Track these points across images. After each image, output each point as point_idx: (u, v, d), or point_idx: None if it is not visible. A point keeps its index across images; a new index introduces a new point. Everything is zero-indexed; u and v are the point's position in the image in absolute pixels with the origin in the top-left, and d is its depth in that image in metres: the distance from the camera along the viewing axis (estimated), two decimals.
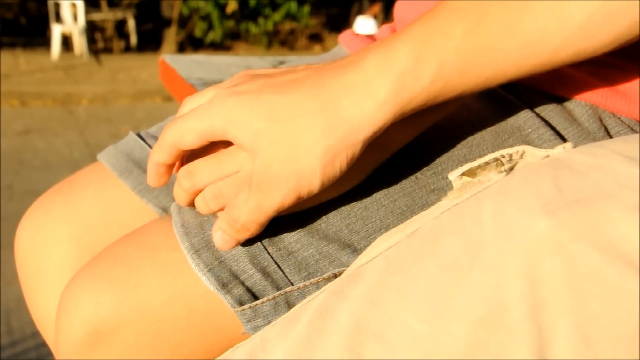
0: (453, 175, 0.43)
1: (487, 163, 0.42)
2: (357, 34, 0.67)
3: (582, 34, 0.39)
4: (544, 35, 0.39)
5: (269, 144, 0.41)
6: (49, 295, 0.63)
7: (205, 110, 0.44)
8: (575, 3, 0.39)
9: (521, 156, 0.42)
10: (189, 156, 0.48)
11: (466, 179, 0.42)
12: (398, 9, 0.65)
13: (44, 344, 1.62)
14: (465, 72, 0.40)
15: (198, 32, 7.63)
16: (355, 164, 0.45)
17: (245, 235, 0.45)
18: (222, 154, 0.45)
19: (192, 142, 0.45)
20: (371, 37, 0.67)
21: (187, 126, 0.44)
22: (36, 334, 1.68)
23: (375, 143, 0.45)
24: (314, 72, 0.43)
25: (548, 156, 0.40)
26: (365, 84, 0.41)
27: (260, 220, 0.44)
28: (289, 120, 0.41)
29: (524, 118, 0.50)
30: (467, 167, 0.42)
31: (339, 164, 0.42)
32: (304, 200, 0.44)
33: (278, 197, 0.42)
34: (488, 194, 0.37)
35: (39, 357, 1.69)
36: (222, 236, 0.45)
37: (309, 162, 0.41)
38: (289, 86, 0.43)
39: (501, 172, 0.42)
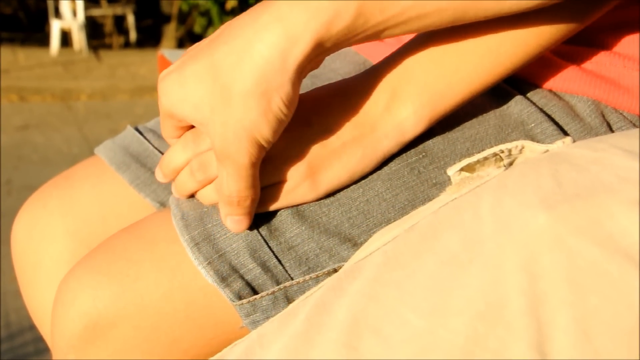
0: (452, 171, 0.42)
1: (485, 158, 0.42)
2: None
3: None
4: None
5: (210, 112, 0.42)
6: (46, 289, 0.62)
7: (158, 100, 0.45)
8: None
9: (520, 151, 0.42)
10: None
11: (465, 174, 0.42)
12: None
13: (42, 338, 1.62)
14: (385, 9, 0.40)
15: (197, 28, 7.62)
16: (367, 154, 0.45)
17: (247, 203, 0.45)
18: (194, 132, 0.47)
19: (171, 132, 0.48)
20: None
21: (161, 122, 0.47)
22: (34, 328, 1.68)
23: (386, 135, 0.45)
24: (229, 25, 0.43)
25: (547, 151, 0.40)
26: (279, 23, 0.40)
27: (248, 182, 0.44)
28: (215, 83, 0.41)
29: (527, 113, 0.49)
30: (465, 162, 0.42)
31: (277, 106, 0.41)
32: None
33: (243, 156, 0.42)
34: (487, 189, 0.37)
35: (37, 351, 1.69)
36: (232, 218, 0.45)
37: (249, 115, 0.41)
38: (207, 49, 0.43)
39: (500, 167, 0.41)
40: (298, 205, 0.47)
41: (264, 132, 0.42)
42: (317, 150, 0.45)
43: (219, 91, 0.41)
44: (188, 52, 0.45)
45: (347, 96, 0.46)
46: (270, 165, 0.45)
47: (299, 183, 0.46)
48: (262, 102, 0.41)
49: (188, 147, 0.47)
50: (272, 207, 0.47)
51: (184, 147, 0.48)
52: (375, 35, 0.42)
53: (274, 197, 0.46)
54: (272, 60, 0.40)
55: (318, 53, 0.41)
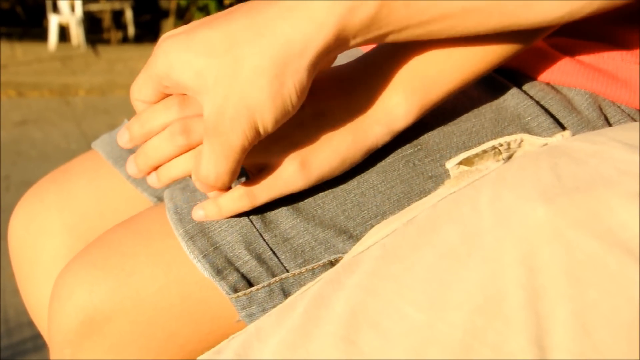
0: (450, 164, 0.42)
1: (484, 151, 0.41)
2: None
3: None
4: None
5: (214, 83, 0.40)
6: (43, 284, 0.62)
7: (150, 59, 0.43)
8: None
9: (519, 144, 0.41)
10: None
11: (463, 167, 0.41)
12: None
13: (40, 335, 1.62)
14: (410, 2, 0.39)
15: None
16: (358, 141, 0.44)
17: (224, 187, 0.43)
18: (174, 98, 0.45)
19: (149, 95, 0.44)
20: None
21: (139, 81, 0.44)
22: (33, 324, 1.68)
23: (377, 121, 0.44)
24: (249, 3, 0.42)
25: (546, 144, 0.40)
26: (304, 5, 0.39)
27: (230, 167, 0.42)
28: (228, 53, 0.39)
29: (523, 106, 0.49)
30: (464, 155, 0.42)
31: (288, 93, 0.40)
32: (308, 168, 0.44)
33: (236, 137, 0.40)
34: (486, 182, 0.37)
35: (36, 347, 1.69)
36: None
37: (257, 95, 0.40)
38: (224, 19, 0.41)
39: (499, 160, 0.41)
40: (290, 193, 0.46)
41: (267, 117, 0.40)
42: (307, 133, 0.44)
43: (229, 62, 0.40)
44: (200, 20, 0.43)
45: (340, 81, 0.45)
46: (258, 145, 0.43)
47: (289, 166, 0.44)
48: (274, 83, 0.40)
49: (171, 110, 0.44)
50: (264, 197, 0.45)
51: (167, 108, 0.44)
52: (396, 32, 0.40)
53: (265, 185, 0.45)
54: (294, 43, 0.39)
55: (338, 44, 0.40)
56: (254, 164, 0.45)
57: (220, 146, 0.41)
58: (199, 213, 0.46)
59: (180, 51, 0.40)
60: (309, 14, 0.39)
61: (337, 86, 0.45)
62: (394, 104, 0.45)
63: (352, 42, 0.40)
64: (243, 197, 0.45)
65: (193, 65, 0.40)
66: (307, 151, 0.44)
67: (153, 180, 0.46)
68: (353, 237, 0.46)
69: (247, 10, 0.41)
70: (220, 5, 7.38)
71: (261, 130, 0.41)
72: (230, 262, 0.46)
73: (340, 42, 0.40)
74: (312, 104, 0.44)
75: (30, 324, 1.74)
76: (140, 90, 0.44)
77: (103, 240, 0.51)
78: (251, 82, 0.39)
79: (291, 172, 0.44)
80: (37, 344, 1.70)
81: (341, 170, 0.46)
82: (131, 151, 0.62)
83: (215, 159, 0.42)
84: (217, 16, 0.42)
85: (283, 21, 0.39)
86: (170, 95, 0.45)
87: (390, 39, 0.41)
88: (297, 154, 0.44)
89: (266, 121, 0.41)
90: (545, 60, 0.51)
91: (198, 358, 0.43)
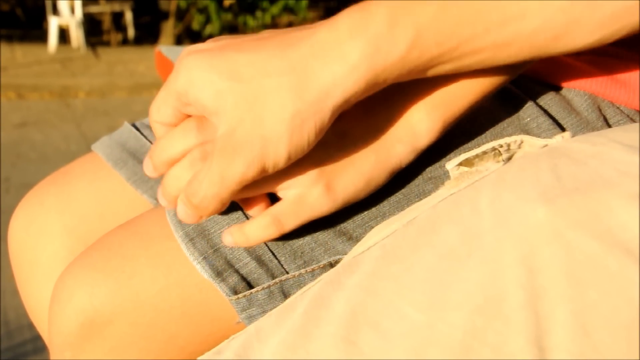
0: (450, 165, 0.42)
1: (484, 152, 0.41)
2: None
3: (564, 18, 0.38)
4: (525, 13, 0.38)
5: (233, 106, 0.39)
6: (43, 287, 0.62)
7: (171, 74, 0.41)
8: None
9: (519, 146, 0.42)
10: None
11: (463, 168, 0.41)
12: None
13: (40, 337, 1.62)
14: (442, 42, 0.38)
15: (196, 25, 7.61)
16: (382, 160, 0.43)
17: (205, 212, 0.42)
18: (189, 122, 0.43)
19: (168, 114, 0.43)
20: None
21: (158, 100, 0.43)
22: (33, 326, 1.68)
23: (400, 139, 0.43)
24: (281, 33, 0.41)
25: (546, 145, 0.40)
26: (337, 45, 0.38)
27: (222, 194, 0.40)
28: (253, 80, 0.39)
29: (522, 107, 0.49)
30: (464, 156, 0.42)
31: (307, 131, 0.39)
32: (317, 202, 0.42)
33: (241, 165, 0.39)
34: (485, 183, 0.37)
35: (36, 350, 1.69)
36: (184, 209, 0.42)
37: (275, 126, 0.39)
38: (254, 45, 0.40)
39: (499, 161, 0.41)
40: (318, 217, 0.44)
41: (280, 151, 0.39)
42: (330, 154, 0.43)
43: (253, 89, 0.39)
44: (226, 40, 0.42)
45: (360, 101, 0.45)
46: (279, 171, 0.42)
47: (314, 190, 0.43)
48: (295, 119, 0.39)
49: (190, 135, 0.43)
50: (291, 224, 0.44)
51: (185, 133, 0.43)
52: (425, 70, 0.40)
53: (292, 212, 0.43)
54: (324, 83, 0.38)
55: (367, 87, 0.39)
56: (277, 188, 0.43)
57: (219, 169, 0.40)
58: (228, 239, 0.45)
59: (204, 69, 0.39)
60: (341, 55, 0.38)
61: (358, 106, 0.44)
62: (416, 121, 0.44)
63: (381, 84, 0.40)
64: (270, 225, 0.44)
65: (215, 85, 0.39)
66: (331, 173, 0.43)
67: (182, 214, 0.43)
68: (352, 239, 0.46)
69: (279, 41, 0.40)
70: (220, 7, 7.39)
71: (269, 165, 0.40)
72: (230, 264, 0.46)
73: (369, 86, 0.39)
74: (334, 125, 0.43)
75: (30, 326, 1.74)
76: (159, 111, 0.43)
77: (103, 243, 0.51)
78: (272, 113, 0.39)
79: (316, 196, 0.43)
80: (37, 346, 1.69)
81: (367, 192, 0.44)
82: (131, 153, 0.62)
83: (210, 180, 0.40)
84: (246, 40, 0.41)
85: (315, 60, 0.39)
86: (189, 116, 0.44)
87: (419, 76, 0.41)
88: (321, 177, 0.43)
89: (279, 155, 0.39)
90: (544, 61, 0.51)
91: (198, 358, 0.43)
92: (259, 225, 0.43)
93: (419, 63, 0.39)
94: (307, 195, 0.43)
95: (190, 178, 0.42)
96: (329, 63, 0.38)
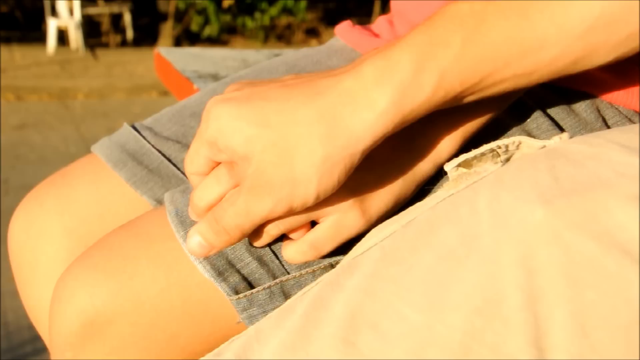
0: (449, 166, 0.42)
1: (483, 154, 0.42)
2: (354, 25, 0.67)
3: (581, 44, 0.39)
4: (543, 44, 0.39)
5: (261, 150, 0.40)
6: (43, 288, 0.62)
7: (201, 125, 0.43)
8: (575, 13, 0.38)
9: (517, 147, 0.42)
10: None
11: (462, 170, 0.42)
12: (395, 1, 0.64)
13: (40, 338, 1.62)
14: (465, 80, 0.40)
15: (194, 27, 7.62)
16: (409, 180, 0.45)
17: (224, 239, 0.43)
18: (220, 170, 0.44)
19: (201, 164, 0.44)
20: (368, 29, 0.66)
21: (191, 152, 0.44)
22: (32, 327, 1.68)
23: (425, 159, 0.45)
24: (307, 80, 0.42)
25: (544, 146, 0.40)
26: (364, 93, 0.40)
27: (244, 225, 0.42)
28: (282, 127, 0.40)
29: (522, 108, 0.49)
30: (462, 158, 0.42)
31: (337, 174, 0.40)
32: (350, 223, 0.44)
33: (269, 202, 0.41)
34: (484, 184, 0.37)
35: (35, 351, 1.69)
36: (199, 241, 0.44)
37: (306, 170, 0.40)
38: (280, 93, 0.41)
39: (497, 162, 0.41)
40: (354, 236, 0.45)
41: (310, 192, 0.41)
42: (362, 178, 0.44)
43: (282, 135, 0.40)
44: (251, 88, 0.43)
45: None
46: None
47: (349, 214, 0.44)
48: (326, 163, 0.40)
49: (222, 180, 0.44)
50: (328, 248, 0.45)
51: (218, 180, 0.44)
52: (449, 104, 0.41)
53: (329, 237, 0.44)
54: (353, 130, 0.40)
55: (395, 128, 0.40)
56: (314, 216, 0.44)
57: (247, 203, 0.41)
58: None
59: (232, 118, 0.41)
60: (369, 102, 0.39)
61: None
62: (438, 140, 0.45)
63: (408, 123, 0.41)
64: (309, 251, 0.45)
65: (244, 131, 0.40)
66: (364, 197, 0.44)
67: (205, 233, 0.44)
68: (352, 240, 0.46)
69: (305, 88, 0.41)
70: (219, 8, 7.39)
71: (297, 205, 0.41)
72: (231, 264, 0.46)
73: (397, 127, 0.41)
74: None
75: (30, 327, 1.74)
76: (193, 162, 0.45)
77: (104, 243, 0.51)
78: (302, 157, 0.40)
79: (352, 220, 0.44)
80: (36, 347, 1.69)
81: (396, 208, 0.46)
82: (131, 155, 0.62)
83: (236, 211, 0.42)
84: (272, 87, 0.42)
85: (343, 107, 0.40)
86: (217, 164, 0.45)
87: (444, 107, 0.42)
88: (356, 202, 0.44)
89: (308, 196, 0.41)
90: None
91: None
92: (298, 251, 0.45)
93: (445, 101, 0.40)
94: (343, 220, 0.44)
95: (214, 208, 0.43)
96: (358, 110, 0.40)
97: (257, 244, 0.45)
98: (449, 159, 0.47)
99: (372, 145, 0.41)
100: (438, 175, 0.48)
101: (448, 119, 0.45)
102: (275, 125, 0.40)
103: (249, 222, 0.42)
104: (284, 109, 0.40)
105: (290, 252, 0.45)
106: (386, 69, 0.40)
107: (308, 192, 0.41)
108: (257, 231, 0.44)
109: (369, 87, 0.40)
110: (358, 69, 0.40)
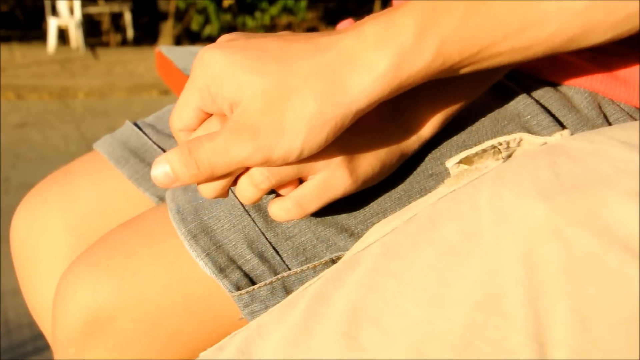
0: (450, 163, 0.43)
1: (484, 150, 0.42)
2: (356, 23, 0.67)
3: (580, 22, 0.39)
4: (543, 19, 0.39)
5: (251, 95, 0.39)
6: (45, 285, 0.63)
7: (192, 72, 0.41)
8: None
9: (518, 143, 0.42)
10: None
11: (463, 166, 0.42)
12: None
13: (40, 336, 1.62)
14: (464, 49, 0.39)
15: (195, 26, 7.62)
16: (394, 148, 0.44)
17: (192, 173, 0.41)
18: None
19: (190, 117, 0.43)
20: None
21: (178, 106, 0.43)
22: (33, 326, 1.68)
23: (409, 130, 0.45)
24: (306, 37, 0.41)
25: (545, 143, 0.40)
26: (365, 54, 0.39)
27: (217, 165, 0.40)
28: (277, 76, 0.39)
29: (523, 104, 0.50)
30: (464, 154, 0.42)
31: (326, 132, 0.40)
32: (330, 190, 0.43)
33: (249, 147, 0.39)
34: (485, 180, 0.37)
35: (36, 349, 1.69)
36: (166, 170, 0.41)
37: (295, 122, 0.39)
38: (279, 45, 0.40)
39: (498, 159, 0.42)
40: (338, 199, 0.44)
41: (294, 146, 0.40)
42: (350, 140, 0.43)
43: (276, 83, 0.39)
44: (247, 39, 0.42)
45: None
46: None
47: (335, 172, 0.43)
48: (317, 119, 0.39)
49: (214, 129, 0.42)
50: (313, 206, 0.43)
51: (209, 129, 0.43)
52: (445, 73, 0.41)
53: (315, 195, 0.43)
54: (350, 90, 0.39)
55: (390, 93, 0.40)
56: (301, 173, 0.43)
57: (226, 141, 0.40)
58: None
59: (227, 65, 0.40)
60: (369, 63, 0.39)
61: None
62: (422, 113, 0.45)
63: (404, 89, 0.41)
64: (293, 208, 0.43)
65: (238, 78, 0.39)
66: (352, 157, 0.43)
67: (175, 162, 0.41)
68: (354, 235, 0.47)
69: (305, 44, 0.40)
70: (219, 7, 7.39)
71: (278, 156, 0.40)
72: (232, 261, 0.46)
73: (393, 92, 0.40)
74: None
75: (30, 325, 1.74)
76: (181, 116, 0.43)
77: (106, 241, 0.51)
78: (294, 109, 0.39)
79: (339, 178, 0.43)
80: (37, 345, 1.69)
81: (381, 176, 0.45)
82: (133, 152, 0.62)
83: (213, 147, 0.40)
84: (269, 40, 0.41)
85: (342, 66, 0.39)
86: (207, 117, 0.43)
87: (439, 77, 0.42)
88: (343, 160, 0.43)
89: (292, 149, 0.40)
90: (545, 59, 0.51)
91: (201, 354, 0.43)
92: (282, 208, 0.43)
93: (442, 70, 0.40)
94: (330, 178, 0.43)
95: (194, 135, 0.41)
96: (356, 70, 0.39)
97: (246, 200, 0.43)
98: (432, 143, 0.47)
99: (365, 109, 0.40)
100: (424, 165, 0.48)
101: (434, 97, 0.45)
102: (270, 73, 0.39)
103: (222, 163, 0.40)
104: (281, 59, 0.39)
105: (275, 208, 0.44)
106: (388, 31, 0.39)
107: (293, 145, 0.39)
108: (246, 185, 0.42)
109: (370, 48, 0.39)
110: (360, 30, 0.40)
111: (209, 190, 0.43)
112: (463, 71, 0.41)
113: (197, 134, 0.43)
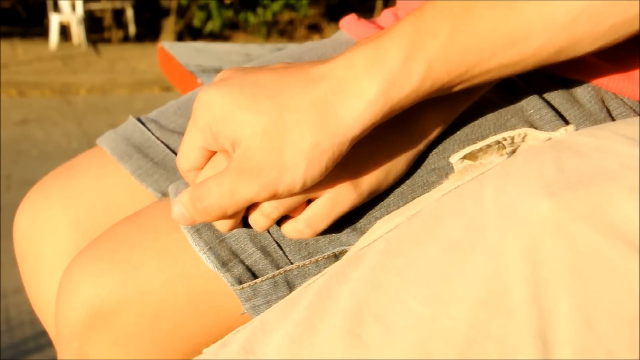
0: (454, 158, 0.42)
1: (488, 146, 0.42)
2: (359, 18, 0.67)
3: (566, 34, 0.40)
4: (529, 34, 0.40)
5: (251, 134, 0.40)
6: (48, 280, 0.63)
7: (192, 114, 0.43)
8: (560, 4, 0.39)
9: (523, 139, 0.42)
10: None
11: (467, 162, 0.42)
12: None
13: (42, 334, 1.63)
14: (452, 70, 0.40)
15: (197, 22, 7.62)
16: (398, 155, 0.45)
17: (205, 219, 0.43)
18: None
19: (196, 157, 0.44)
20: (373, 22, 0.66)
21: (184, 146, 0.44)
22: (35, 323, 1.68)
23: (413, 133, 0.45)
24: (299, 68, 0.42)
25: (550, 139, 0.40)
26: (355, 81, 0.40)
27: (227, 207, 0.42)
28: (273, 112, 0.40)
29: (526, 99, 0.49)
30: (468, 150, 0.42)
31: (325, 161, 0.41)
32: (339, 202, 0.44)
33: (256, 186, 0.41)
34: (489, 176, 0.37)
35: (37, 347, 1.69)
36: (181, 211, 0.43)
37: (294, 156, 0.40)
38: (273, 80, 0.41)
39: (503, 155, 0.41)
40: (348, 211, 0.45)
41: (297, 179, 0.41)
42: (351, 152, 0.44)
43: (273, 120, 0.40)
44: (243, 74, 0.43)
45: None
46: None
47: (340, 190, 0.44)
48: (315, 150, 0.40)
49: (221, 167, 0.44)
50: (324, 225, 0.45)
51: (216, 168, 0.44)
52: (435, 94, 0.42)
53: (323, 214, 0.45)
54: (343, 117, 0.40)
55: (383, 117, 0.41)
56: (309, 196, 0.44)
57: (233, 185, 0.41)
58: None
59: (225, 105, 0.41)
60: (359, 91, 0.40)
61: None
62: (425, 115, 0.46)
63: (397, 111, 0.41)
64: (305, 229, 0.45)
65: (236, 118, 0.41)
66: (355, 171, 0.44)
67: (177, 214, 0.44)
68: (357, 230, 0.47)
69: (298, 76, 0.41)
70: (221, 4, 7.39)
71: (283, 190, 0.41)
72: (235, 254, 0.47)
73: (385, 115, 0.41)
74: None
75: (32, 323, 1.75)
76: (188, 157, 0.44)
77: (109, 235, 0.51)
78: (292, 144, 0.40)
79: (345, 195, 0.44)
80: (38, 343, 1.70)
81: (388, 183, 0.46)
82: (136, 147, 0.62)
83: (221, 193, 0.41)
84: (264, 74, 0.42)
85: (334, 96, 0.40)
86: (212, 154, 0.45)
87: (431, 96, 0.42)
88: (348, 176, 0.44)
89: (295, 182, 0.41)
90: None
91: (204, 351, 0.43)
92: (294, 229, 0.45)
93: (432, 90, 0.41)
94: (336, 197, 0.44)
95: (198, 183, 0.43)
96: (348, 99, 0.40)
97: (259, 228, 0.45)
98: (436, 138, 0.48)
99: (360, 134, 0.41)
100: (426, 159, 0.48)
101: (436, 99, 0.45)
102: (266, 110, 0.40)
103: (232, 204, 0.42)
104: (276, 95, 0.41)
105: (288, 230, 0.46)
106: (376, 58, 0.40)
107: (295, 179, 0.41)
108: (257, 216, 0.44)
109: (360, 75, 0.40)
110: (349, 58, 0.41)
111: (223, 226, 0.45)
112: (455, 89, 0.42)
113: (205, 172, 0.44)
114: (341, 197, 0.44)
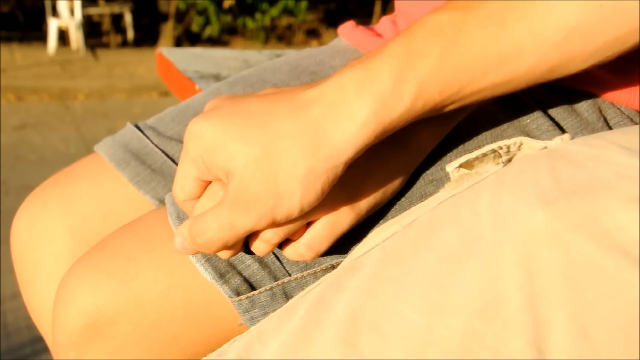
0: (450, 167, 0.42)
1: (484, 155, 0.42)
2: (357, 26, 0.67)
3: (558, 53, 0.40)
4: (520, 53, 0.40)
5: (244, 165, 0.40)
6: (45, 287, 0.63)
7: (184, 145, 0.43)
8: (551, 23, 0.39)
9: (519, 148, 0.42)
10: None
11: (463, 170, 0.42)
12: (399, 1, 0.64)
13: (39, 339, 1.62)
14: (444, 90, 0.40)
15: (195, 27, 7.62)
16: (395, 171, 0.45)
17: (207, 251, 0.43)
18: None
19: (192, 188, 0.44)
20: (371, 29, 0.66)
21: (178, 178, 0.44)
22: (32, 328, 1.68)
23: (410, 150, 0.45)
24: (288, 93, 0.42)
25: (546, 147, 0.40)
26: (345, 104, 0.40)
27: (228, 239, 0.42)
28: (265, 141, 0.40)
29: (522, 109, 0.50)
30: (464, 158, 0.42)
31: (320, 186, 0.41)
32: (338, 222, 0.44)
33: (253, 217, 0.41)
34: (485, 185, 0.37)
35: (35, 352, 1.69)
36: (182, 243, 0.43)
37: (289, 183, 0.40)
38: (262, 107, 0.41)
39: (498, 163, 0.42)
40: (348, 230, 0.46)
41: (294, 205, 0.41)
42: (347, 173, 0.43)
43: (264, 151, 0.40)
44: (233, 103, 0.43)
45: None
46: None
47: (340, 212, 0.44)
48: (309, 176, 0.40)
49: (218, 197, 0.43)
50: (324, 246, 0.45)
51: (213, 198, 0.44)
52: (428, 114, 0.42)
53: (323, 237, 0.45)
54: (335, 141, 0.40)
55: (376, 139, 0.41)
56: (308, 220, 0.44)
57: (231, 218, 0.41)
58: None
59: (215, 135, 0.41)
60: (350, 114, 0.40)
61: None
62: (421, 131, 0.46)
63: (389, 132, 0.41)
64: (306, 252, 0.45)
65: (227, 148, 0.40)
66: (353, 191, 0.44)
67: (180, 247, 0.44)
68: (355, 241, 0.47)
69: (287, 102, 0.41)
70: (220, 9, 7.39)
71: (281, 218, 0.41)
72: (232, 266, 0.46)
73: (378, 137, 0.41)
74: None
75: (29, 328, 1.74)
76: (183, 188, 0.44)
77: (106, 244, 0.51)
78: (285, 171, 0.40)
79: (343, 217, 0.44)
80: (35, 348, 1.69)
81: (385, 199, 0.46)
82: (134, 154, 0.62)
83: (220, 226, 0.41)
84: (253, 101, 0.42)
85: (325, 120, 0.40)
86: (207, 184, 0.45)
87: (424, 117, 0.42)
88: (345, 197, 0.44)
89: (292, 208, 0.41)
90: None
91: None
92: (296, 252, 0.45)
93: (425, 111, 0.41)
94: (334, 219, 0.44)
95: (196, 217, 0.43)
96: (340, 122, 0.40)
97: (261, 254, 0.45)
98: (433, 149, 0.48)
99: (353, 157, 0.41)
100: (424, 170, 0.49)
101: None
102: (258, 139, 0.40)
103: (232, 236, 0.42)
104: (267, 123, 0.40)
105: (290, 253, 0.45)
106: (366, 80, 0.40)
107: (292, 206, 0.41)
108: (258, 243, 0.44)
109: (350, 98, 0.40)
110: (339, 81, 0.40)
111: (225, 254, 0.45)
112: (447, 109, 0.42)
113: (202, 202, 0.44)
114: (340, 217, 0.44)
